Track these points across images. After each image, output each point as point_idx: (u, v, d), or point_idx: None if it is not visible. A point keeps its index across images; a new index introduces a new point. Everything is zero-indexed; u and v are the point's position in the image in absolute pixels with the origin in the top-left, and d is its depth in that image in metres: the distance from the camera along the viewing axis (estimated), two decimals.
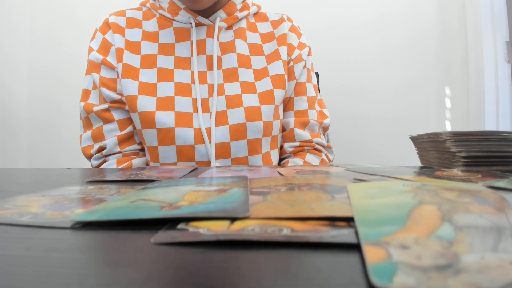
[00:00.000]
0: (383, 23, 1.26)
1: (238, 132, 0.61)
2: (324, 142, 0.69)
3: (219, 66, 0.65)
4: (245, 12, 0.69)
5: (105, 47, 0.64)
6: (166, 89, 0.61)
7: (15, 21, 1.31)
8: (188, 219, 0.17)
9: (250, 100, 0.63)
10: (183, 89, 0.62)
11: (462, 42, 1.24)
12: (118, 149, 0.62)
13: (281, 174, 0.36)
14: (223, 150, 0.60)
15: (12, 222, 0.18)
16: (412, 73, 1.25)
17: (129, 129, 0.63)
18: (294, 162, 0.67)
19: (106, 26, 0.66)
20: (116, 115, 0.63)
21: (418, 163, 0.51)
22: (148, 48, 0.65)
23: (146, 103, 0.60)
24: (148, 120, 0.59)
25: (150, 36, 0.66)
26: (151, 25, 0.67)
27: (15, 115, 1.30)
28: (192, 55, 0.64)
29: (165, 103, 0.60)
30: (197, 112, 0.61)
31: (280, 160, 0.72)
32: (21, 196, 0.24)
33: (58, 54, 1.32)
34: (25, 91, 1.33)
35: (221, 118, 0.61)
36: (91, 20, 1.26)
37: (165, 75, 0.62)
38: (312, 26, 1.20)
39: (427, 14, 1.26)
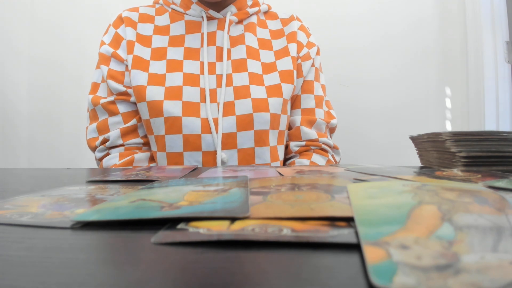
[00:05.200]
0: (382, 22, 1.26)
1: (244, 122, 0.61)
2: (330, 142, 0.69)
3: (228, 57, 0.65)
4: (255, 9, 0.71)
5: (116, 41, 0.66)
6: (174, 79, 0.62)
7: (16, 14, 1.30)
8: (188, 219, 0.17)
9: (258, 91, 0.63)
10: (192, 79, 0.63)
11: (462, 42, 1.24)
12: (120, 142, 0.63)
13: (281, 174, 0.36)
14: (229, 140, 0.61)
15: (12, 222, 0.18)
16: (412, 73, 1.25)
17: (132, 122, 0.64)
18: (300, 163, 0.67)
19: (119, 20, 0.67)
20: (121, 108, 0.64)
21: (418, 163, 0.51)
22: (159, 41, 0.66)
23: (154, 93, 0.61)
24: (156, 109, 0.60)
25: (162, 30, 0.67)
26: (163, 20, 0.68)
27: (15, 108, 1.30)
28: (202, 46, 0.65)
29: (173, 93, 0.61)
30: (205, 102, 0.61)
31: (286, 159, 0.71)
32: (21, 196, 0.24)
33: (59, 45, 1.31)
34: (25, 84, 1.32)
35: (228, 108, 0.62)
36: (94, 14, 1.25)
37: (174, 66, 0.63)
38: (309, 22, 1.20)
39: (427, 14, 1.26)
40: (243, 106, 0.61)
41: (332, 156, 0.70)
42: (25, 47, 1.32)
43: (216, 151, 0.60)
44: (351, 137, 1.24)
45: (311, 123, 0.68)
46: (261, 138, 0.62)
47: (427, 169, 0.41)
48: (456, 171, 0.35)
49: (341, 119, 1.22)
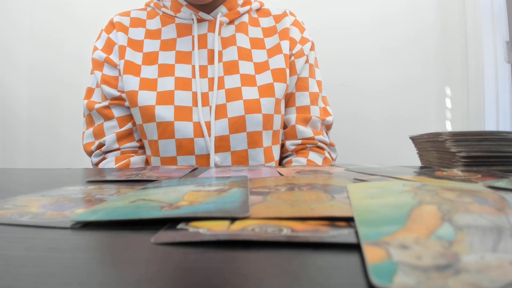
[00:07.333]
0: (383, 23, 1.26)
1: (237, 124, 0.61)
2: (326, 139, 0.69)
3: (220, 60, 0.65)
4: (246, 7, 0.70)
5: (109, 46, 0.66)
6: (166, 83, 0.62)
7: (15, 19, 1.31)
8: (188, 219, 0.17)
9: (250, 92, 0.63)
10: (183, 84, 0.62)
11: (462, 42, 1.24)
12: (116, 146, 0.63)
13: (281, 174, 0.36)
14: (222, 143, 0.61)
15: (12, 222, 0.18)
16: (412, 72, 1.25)
17: (128, 126, 0.64)
18: (298, 161, 0.66)
19: (111, 25, 0.67)
20: (116, 112, 0.64)
21: (418, 163, 0.51)
22: (150, 45, 0.66)
23: (146, 98, 0.61)
24: (148, 114, 0.60)
25: (153, 34, 0.67)
26: (154, 24, 0.68)
27: (14, 115, 1.30)
28: (193, 49, 0.65)
29: (165, 97, 0.61)
30: (197, 106, 0.61)
31: (282, 158, 0.71)
32: (21, 196, 0.24)
33: (58, 53, 1.32)
34: (25, 91, 1.32)
35: (220, 111, 0.61)
36: (92, 20, 1.26)
37: (165, 70, 0.63)
38: (312, 25, 1.20)
39: (427, 14, 1.26)
40: (235, 108, 0.61)
41: (329, 153, 0.70)
42: (24, 57, 1.32)
43: (209, 154, 0.60)
44: (352, 137, 1.24)
45: (306, 121, 0.68)
46: (254, 140, 0.62)
47: (427, 169, 0.41)
48: (456, 171, 0.35)
49: (342, 119, 1.22)
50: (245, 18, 0.70)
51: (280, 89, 0.65)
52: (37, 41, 1.33)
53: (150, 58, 0.64)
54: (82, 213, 0.19)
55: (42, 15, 1.33)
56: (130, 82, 0.62)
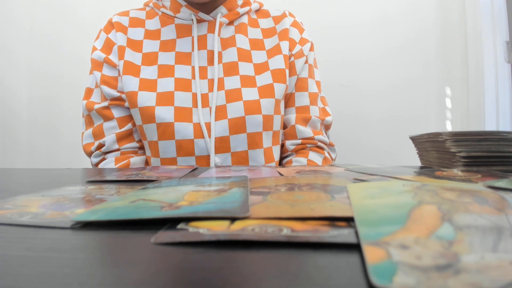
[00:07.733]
0: (383, 23, 1.26)
1: (237, 125, 0.61)
2: (326, 139, 0.69)
3: (220, 61, 0.65)
4: (246, 8, 0.70)
5: (108, 46, 0.65)
6: (166, 84, 0.62)
7: (15, 20, 1.31)
8: (188, 219, 0.17)
9: (250, 93, 0.63)
10: (183, 84, 0.62)
11: (462, 42, 1.24)
12: (116, 146, 0.63)
13: (281, 174, 0.36)
14: (222, 144, 0.61)
15: (12, 222, 0.18)
16: (412, 72, 1.25)
17: (128, 126, 0.64)
18: (298, 161, 0.66)
19: (110, 25, 0.67)
20: (116, 113, 0.64)
21: (418, 163, 0.51)
22: (150, 46, 0.65)
23: (146, 99, 0.61)
24: (148, 115, 0.60)
25: (152, 34, 0.66)
26: (153, 24, 0.68)
27: (14, 115, 1.30)
28: (193, 50, 0.65)
29: (165, 98, 0.61)
30: (197, 107, 0.61)
31: (282, 158, 0.71)
32: (21, 196, 0.24)
33: (58, 53, 1.32)
34: (25, 91, 1.32)
35: (220, 112, 0.61)
36: (92, 20, 1.26)
37: (165, 71, 0.63)
38: (312, 25, 1.20)
39: (427, 14, 1.26)
40: (235, 109, 0.61)
41: (328, 153, 0.70)
42: (24, 57, 1.32)
43: (209, 155, 0.60)
44: (352, 137, 1.24)
45: (306, 121, 0.68)
46: (254, 141, 0.62)
47: (427, 169, 0.41)
48: (456, 171, 0.35)
49: (342, 119, 1.22)
50: (245, 19, 0.70)
51: (279, 89, 0.65)
52: (37, 41, 1.32)
53: (150, 59, 0.64)
54: (82, 213, 0.19)
55: (42, 15, 1.33)
56: (130, 83, 0.62)
